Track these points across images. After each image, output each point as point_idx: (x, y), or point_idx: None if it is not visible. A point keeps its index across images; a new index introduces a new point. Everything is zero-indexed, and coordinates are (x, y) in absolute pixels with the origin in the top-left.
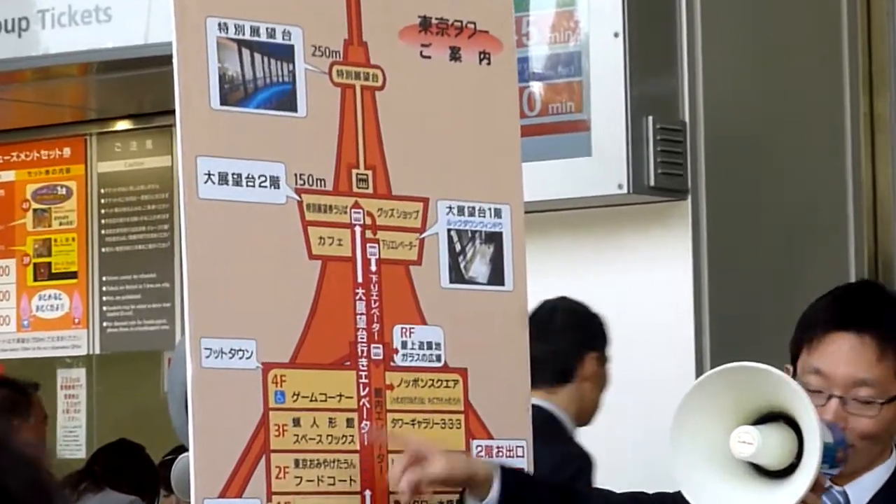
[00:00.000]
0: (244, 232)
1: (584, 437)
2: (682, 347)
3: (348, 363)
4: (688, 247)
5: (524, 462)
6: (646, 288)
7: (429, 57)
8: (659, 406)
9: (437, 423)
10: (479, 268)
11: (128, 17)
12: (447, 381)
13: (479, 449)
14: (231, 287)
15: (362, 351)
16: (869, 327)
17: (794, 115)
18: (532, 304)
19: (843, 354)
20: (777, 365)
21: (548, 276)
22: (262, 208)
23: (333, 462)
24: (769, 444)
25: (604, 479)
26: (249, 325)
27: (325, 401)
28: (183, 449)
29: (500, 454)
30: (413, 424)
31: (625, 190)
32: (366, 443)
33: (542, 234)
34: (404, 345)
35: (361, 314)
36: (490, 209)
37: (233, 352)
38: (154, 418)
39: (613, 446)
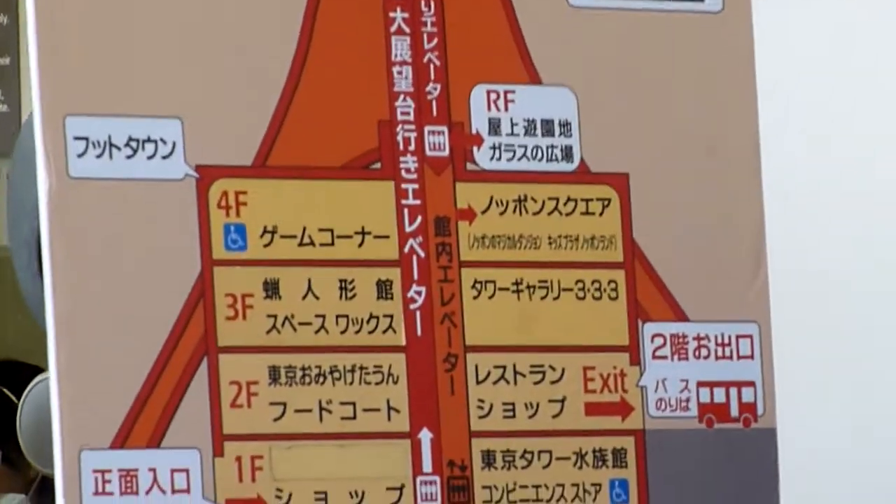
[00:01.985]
0: None
1: None
2: None
3: (378, 165)
4: None
5: (755, 366)
6: None
7: None
8: None
9: (567, 290)
10: None
11: None
12: (587, 200)
13: (660, 342)
14: (129, 9)
15: (407, 139)
16: None
17: None
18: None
19: None
20: None
21: None
22: None
23: (352, 371)
24: None
25: None
26: (168, 90)
27: (332, 244)
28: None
29: (704, 351)
30: (517, 291)
31: None
32: (419, 332)
33: None
34: (495, 126)
35: (403, 63)
36: None
37: (135, 144)
38: None
39: None
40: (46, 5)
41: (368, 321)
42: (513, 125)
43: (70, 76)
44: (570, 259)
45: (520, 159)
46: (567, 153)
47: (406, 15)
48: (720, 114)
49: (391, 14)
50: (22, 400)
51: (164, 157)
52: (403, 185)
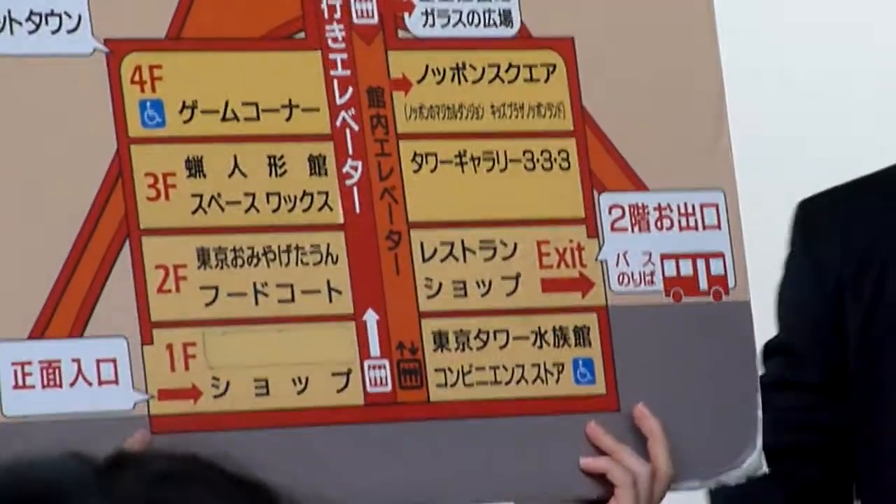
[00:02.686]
0: None
1: None
2: None
3: (302, 35)
4: None
5: (723, 236)
6: None
7: None
8: None
9: (514, 161)
10: None
11: None
12: (530, 66)
13: (618, 213)
14: None
15: (332, 7)
16: None
17: None
18: None
19: None
20: None
21: None
22: None
23: (288, 251)
24: None
25: None
26: None
27: (257, 119)
28: None
29: (666, 221)
30: (460, 164)
31: None
32: (357, 209)
33: None
34: None
35: None
36: None
37: (37, 18)
38: None
39: None
40: None
41: (302, 199)
42: None
43: None
44: (516, 129)
45: (455, 25)
46: (506, 17)
47: None
48: None
49: None
50: None
51: (70, 32)
52: (331, 56)
